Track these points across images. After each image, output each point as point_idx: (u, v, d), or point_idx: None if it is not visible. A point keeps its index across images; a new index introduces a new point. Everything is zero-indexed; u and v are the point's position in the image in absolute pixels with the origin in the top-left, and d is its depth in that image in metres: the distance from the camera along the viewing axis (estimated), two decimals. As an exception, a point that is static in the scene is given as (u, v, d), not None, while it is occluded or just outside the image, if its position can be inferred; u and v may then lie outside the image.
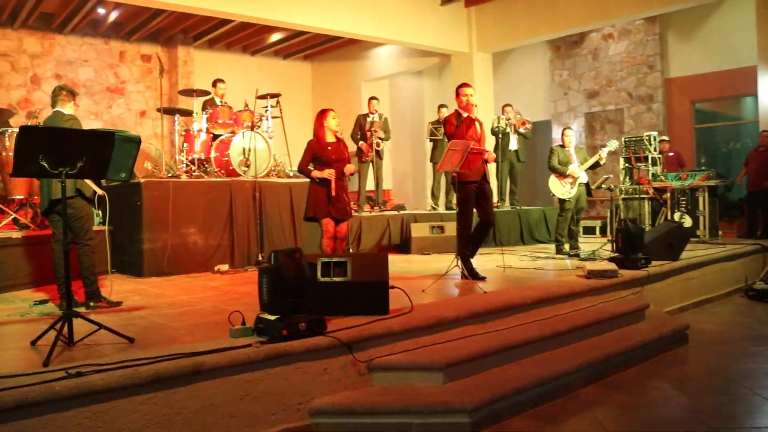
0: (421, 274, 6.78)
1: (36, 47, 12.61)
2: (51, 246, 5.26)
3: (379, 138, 10.19)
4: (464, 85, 6.43)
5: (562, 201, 8.43)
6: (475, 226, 6.44)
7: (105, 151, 3.80)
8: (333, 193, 6.09)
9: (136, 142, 4.09)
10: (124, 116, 13.61)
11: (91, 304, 5.12)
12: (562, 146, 8.48)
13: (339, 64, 15.88)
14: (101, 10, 12.04)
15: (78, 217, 5.12)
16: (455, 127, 6.22)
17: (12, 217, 7.15)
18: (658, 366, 5.02)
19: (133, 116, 13.74)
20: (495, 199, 11.19)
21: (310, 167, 6.16)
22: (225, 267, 7.53)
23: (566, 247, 8.48)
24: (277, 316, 3.91)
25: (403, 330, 4.29)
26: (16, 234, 6.56)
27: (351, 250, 8.83)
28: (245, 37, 14.21)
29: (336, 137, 6.29)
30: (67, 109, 5.22)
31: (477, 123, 6.34)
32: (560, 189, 8.35)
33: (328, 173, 6.06)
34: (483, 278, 6.18)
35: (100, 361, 3.38)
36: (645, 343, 5.19)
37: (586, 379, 4.50)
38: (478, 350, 4.29)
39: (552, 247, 9.12)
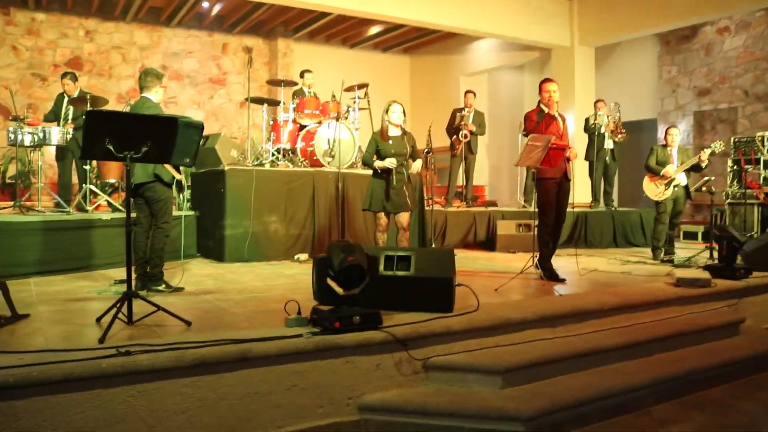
0: (501, 272, 6.55)
1: (145, 40, 13.19)
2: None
3: (470, 131, 9.95)
4: (547, 80, 6.16)
5: (657, 203, 7.93)
6: None
7: (169, 136, 3.84)
8: (394, 184, 6.00)
9: (198, 127, 4.12)
10: (225, 106, 14.01)
11: (151, 287, 5.23)
12: (665, 146, 7.97)
13: (437, 57, 15.70)
14: (205, 4, 12.44)
15: (156, 200, 5.24)
16: (535, 123, 5.96)
17: (104, 199, 7.45)
18: (750, 387, 4.58)
19: (234, 106, 14.12)
20: (588, 199, 10.76)
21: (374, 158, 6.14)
22: (304, 256, 7.56)
23: (662, 252, 7.98)
24: (331, 308, 3.85)
25: (463, 329, 4.12)
26: (106, 216, 6.83)
27: (433, 245, 8.68)
28: (344, 30, 14.29)
29: (402, 130, 6.18)
30: (153, 93, 5.30)
31: (560, 119, 6.05)
32: (653, 190, 7.86)
33: (389, 162, 5.99)
34: (562, 280, 5.89)
35: (151, 341, 3.41)
36: (736, 361, 4.75)
37: (661, 396, 4.16)
38: (542, 356, 4.06)
39: (647, 251, 8.60)
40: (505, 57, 14.17)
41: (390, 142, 6.10)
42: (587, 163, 10.49)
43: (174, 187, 5.26)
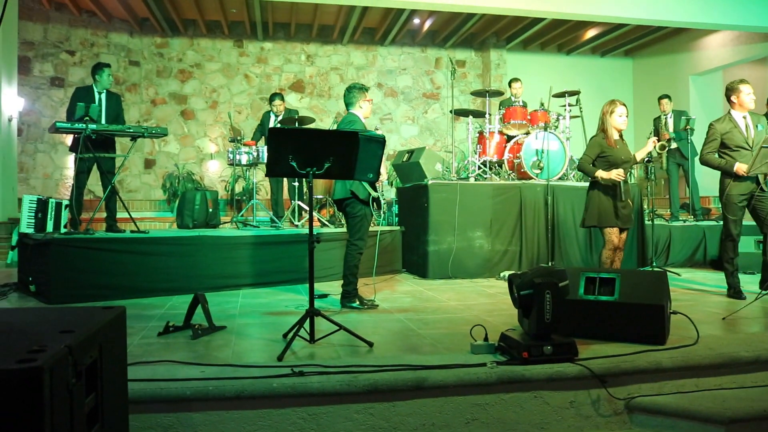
0: (732, 298, 5.67)
1: (361, 60, 13.68)
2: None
3: (668, 139, 8.88)
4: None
5: None
6: None
7: (351, 151, 3.74)
8: (621, 198, 5.39)
9: (380, 142, 3.98)
10: (439, 120, 14.05)
11: (346, 303, 5.18)
12: None
13: (663, 57, 14.42)
14: (416, 20, 12.59)
15: (351, 216, 5.22)
16: None
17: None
18: None
19: (447, 120, 14.10)
20: None
21: (595, 166, 5.51)
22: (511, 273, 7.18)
23: None
24: (522, 334, 3.48)
25: (677, 366, 3.51)
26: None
27: (654, 264, 7.83)
28: (559, 36, 13.69)
29: (620, 136, 5.56)
30: (357, 108, 5.28)
31: None
32: None
33: (616, 174, 5.35)
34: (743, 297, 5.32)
35: (326, 362, 3.31)
36: None
37: None
38: (781, 405, 3.32)
39: None
40: (743, 50, 12.56)
41: (617, 147, 5.51)
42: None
43: (372, 204, 5.17)
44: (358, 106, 5.28)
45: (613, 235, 5.49)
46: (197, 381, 3.02)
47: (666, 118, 9.32)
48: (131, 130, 6.54)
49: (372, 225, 9.14)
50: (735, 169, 5.41)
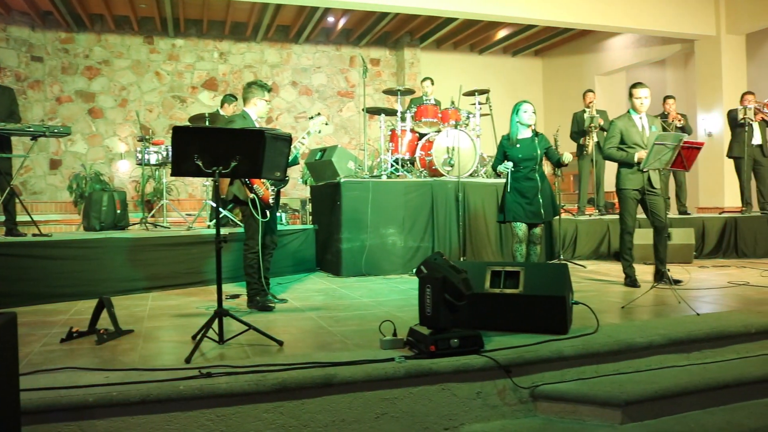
0: (631, 288, 5.96)
1: (275, 57, 13.58)
2: None
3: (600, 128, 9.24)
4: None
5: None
6: None
7: (257, 149, 3.72)
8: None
9: (286, 140, 3.97)
10: (354, 118, 14.10)
11: (249, 304, 5.16)
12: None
13: (571, 58, 14.98)
14: (330, 18, 12.59)
15: (243, 216, 5.22)
16: None
17: (223, 215, 7.59)
18: None
19: (361, 117, 14.17)
20: (739, 203, 9.73)
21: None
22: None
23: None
24: (430, 330, 3.55)
25: (578, 354, 3.67)
26: (225, 230, 6.91)
27: (562, 257, 8.13)
28: (471, 35, 13.99)
29: (534, 132, 5.77)
30: (251, 105, 5.15)
31: None
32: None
33: (503, 167, 5.71)
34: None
35: (234, 363, 3.28)
36: None
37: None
38: (671, 387, 3.51)
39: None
40: (644, 52, 13.22)
41: (518, 146, 5.75)
42: (736, 162, 9.45)
43: (251, 206, 4.99)
44: (252, 103, 5.15)
45: (521, 229, 5.73)
46: (100, 387, 2.93)
47: (592, 115, 9.48)
48: (31, 129, 6.25)
49: (292, 223, 9.12)
50: (636, 158, 5.72)
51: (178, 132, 3.62)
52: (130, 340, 4.02)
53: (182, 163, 3.67)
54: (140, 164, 7.51)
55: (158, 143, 7.62)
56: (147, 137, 7.59)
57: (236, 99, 8.65)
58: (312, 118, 5.45)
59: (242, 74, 13.30)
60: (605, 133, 9.18)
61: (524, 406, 3.50)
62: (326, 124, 5.63)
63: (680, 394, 3.50)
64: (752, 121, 9.10)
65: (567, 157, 5.74)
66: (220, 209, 7.54)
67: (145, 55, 12.74)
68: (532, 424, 3.40)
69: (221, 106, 8.43)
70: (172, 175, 3.80)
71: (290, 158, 5.24)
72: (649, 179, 5.82)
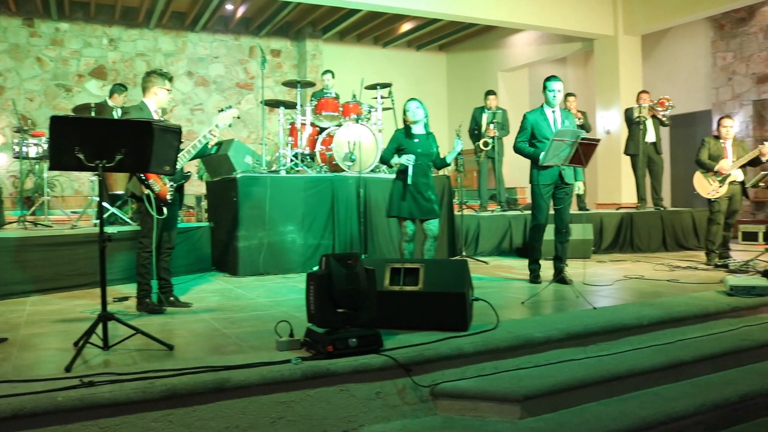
0: (532, 283, 6.08)
1: (170, 46, 13.03)
2: None
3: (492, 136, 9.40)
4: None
5: (710, 202, 7.32)
6: None
7: (144, 142, 3.49)
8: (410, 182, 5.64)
9: (176, 132, 3.76)
10: (253, 111, 13.75)
11: (138, 307, 4.91)
12: (717, 137, 7.35)
13: (475, 53, 15.21)
14: (229, 6, 12.17)
15: (140, 213, 4.94)
16: None
17: (111, 212, 7.19)
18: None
19: (261, 110, 13.85)
20: (635, 199, 10.19)
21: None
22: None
23: (717, 256, 7.36)
24: (326, 330, 3.45)
25: (477, 351, 3.68)
26: (112, 229, 6.50)
27: (464, 253, 8.22)
28: (375, 28, 13.89)
29: (427, 131, 5.80)
30: (150, 95, 4.89)
31: None
32: (706, 187, 7.25)
33: (406, 158, 5.60)
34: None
35: (119, 370, 3.07)
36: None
37: (710, 425, 3.62)
38: (568, 380, 3.58)
39: (701, 255, 7.92)
40: (546, 50, 13.58)
41: (416, 140, 5.74)
42: (632, 159, 9.87)
43: (146, 202, 4.73)
44: (152, 92, 4.87)
45: (407, 227, 5.76)
46: (-36, 402, 2.66)
47: (492, 114, 9.58)
48: None
49: (187, 220, 8.76)
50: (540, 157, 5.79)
51: (56, 122, 3.34)
52: (3, 350, 3.70)
53: (62, 156, 3.39)
54: (17, 158, 6.98)
55: (38, 135, 7.09)
56: (25, 128, 7.06)
57: (126, 89, 8.20)
58: (222, 110, 5.22)
59: (134, 63, 12.68)
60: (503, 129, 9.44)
61: (425, 404, 3.46)
62: (238, 117, 5.43)
63: (577, 387, 3.57)
64: (646, 119, 9.51)
65: (451, 156, 5.84)
66: (108, 206, 7.17)
67: (24, 39, 11.86)
68: (433, 423, 3.36)
69: (110, 97, 7.97)
70: (50, 168, 3.53)
71: (202, 150, 5.05)
72: (560, 174, 5.86)
